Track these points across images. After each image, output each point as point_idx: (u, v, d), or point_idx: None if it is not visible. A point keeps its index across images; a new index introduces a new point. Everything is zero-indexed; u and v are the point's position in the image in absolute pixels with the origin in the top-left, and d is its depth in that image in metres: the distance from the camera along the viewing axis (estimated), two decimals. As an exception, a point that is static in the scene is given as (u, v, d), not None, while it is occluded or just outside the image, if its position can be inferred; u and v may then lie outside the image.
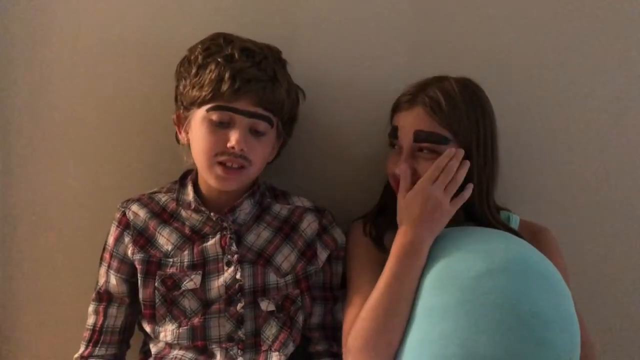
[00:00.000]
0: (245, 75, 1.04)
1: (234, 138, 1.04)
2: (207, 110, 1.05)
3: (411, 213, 1.01)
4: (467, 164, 1.04)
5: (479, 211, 1.09)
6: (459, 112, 1.06)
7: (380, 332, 0.97)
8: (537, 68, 1.29)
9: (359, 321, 0.99)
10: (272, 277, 1.12)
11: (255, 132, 1.08)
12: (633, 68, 1.30)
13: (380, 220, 1.17)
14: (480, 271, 0.93)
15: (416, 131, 1.07)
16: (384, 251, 1.10)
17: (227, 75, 1.03)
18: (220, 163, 1.06)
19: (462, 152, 1.04)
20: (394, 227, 1.08)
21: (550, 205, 1.32)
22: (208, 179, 1.09)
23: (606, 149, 1.31)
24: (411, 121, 1.08)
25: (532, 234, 1.14)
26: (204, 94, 1.04)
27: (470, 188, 1.05)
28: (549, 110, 1.30)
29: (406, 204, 1.03)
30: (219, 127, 1.06)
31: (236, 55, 1.06)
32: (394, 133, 1.11)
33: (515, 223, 1.16)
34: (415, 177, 1.06)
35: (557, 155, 1.31)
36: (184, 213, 1.14)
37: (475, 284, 0.92)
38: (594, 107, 1.30)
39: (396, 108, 1.13)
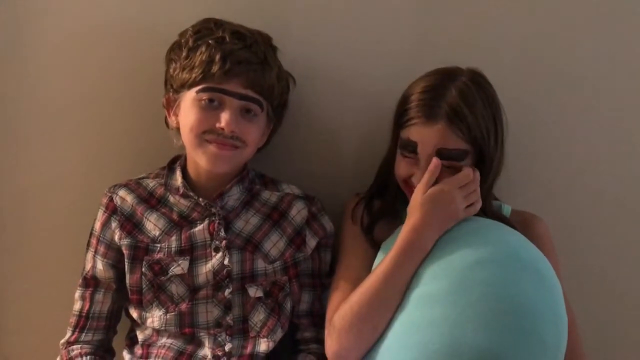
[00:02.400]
0: (236, 56, 1.04)
1: (224, 119, 1.04)
2: (197, 92, 1.05)
3: (428, 210, 0.99)
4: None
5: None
6: (480, 121, 1.01)
7: (369, 317, 0.97)
8: (538, 59, 1.28)
9: (348, 303, 1.00)
10: (261, 264, 1.12)
11: (246, 113, 1.07)
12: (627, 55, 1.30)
13: (375, 206, 1.16)
14: (470, 261, 0.94)
15: (440, 149, 1.02)
16: (373, 244, 1.10)
17: (217, 56, 1.03)
18: (210, 142, 1.06)
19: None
20: (388, 217, 1.08)
21: (543, 195, 1.31)
22: (199, 159, 1.08)
23: (601, 138, 1.31)
24: (433, 137, 1.02)
25: (524, 224, 1.13)
26: (194, 75, 1.04)
27: (480, 202, 1.03)
28: (546, 101, 1.30)
29: (425, 200, 1.00)
30: (209, 108, 1.05)
31: (227, 38, 1.05)
32: (411, 147, 1.04)
33: (506, 212, 1.15)
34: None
35: (551, 146, 1.31)
36: (172, 198, 1.14)
37: (465, 274, 0.93)
38: (589, 98, 1.30)
39: (409, 119, 1.04)
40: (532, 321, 0.90)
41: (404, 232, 1.00)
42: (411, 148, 1.05)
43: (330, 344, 1.01)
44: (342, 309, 1.00)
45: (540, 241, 1.08)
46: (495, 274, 0.92)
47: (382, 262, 1.00)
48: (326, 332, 1.03)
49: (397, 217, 1.11)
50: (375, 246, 1.10)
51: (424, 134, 1.03)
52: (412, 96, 1.06)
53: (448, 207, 1.00)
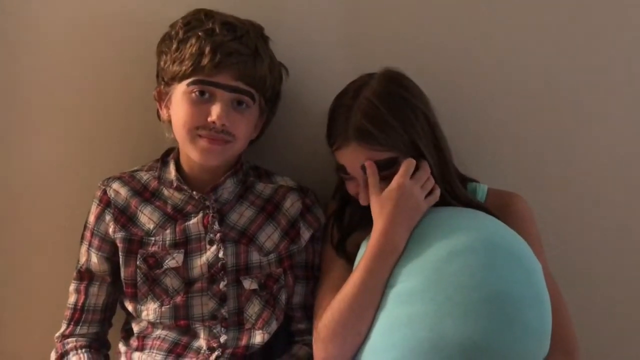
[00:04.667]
0: (226, 48, 1.03)
1: (215, 113, 1.03)
2: (188, 85, 1.04)
3: (390, 210, 0.99)
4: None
5: (442, 194, 1.06)
6: (392, 129, 1.01)
7: (350, 324, 0.98)
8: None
9: (329, 311, 1.00)
10: (255, 256, 1.12)
11: (237, 105, 1.07)
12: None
13: (346, 217, 1.15)
14: (444, 253, 0.93)
15: (363, 166, 1.03)
16: (348, 260, 1.09)
17: (207, 49, 1.02)
18: (202, 137, 1.05)
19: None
20: (360, 230, 1.08)
21: (521, 173, 1.31)
22: (190, 153, 1.08)
23: (578, 114, 1.31)
24: (353, 158, 1.04)
25: (501, 204, 1.12)
26: (184, 68, 1.04)
27: (438, 189, 1.04)
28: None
29: (384, 201, 1.00)
30: (199, 102, 1.05)
31: (217, 30, 1.05)
32: (343, 170, 1.07)
33: (482, 193, 1.14)
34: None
35: (526, 122, 1.31)
36: (165, 191, 1.14)
37: (440, 267, 0.92)
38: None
39: (332, 145, 1.08)
40: (512, 307, 0.90)
41: (373, 238, 1.00)
42: (343, 170, 1.07)
43: (317, 352, 1.02)
44: (325, 317, 1.01)
45: (519, 220, 1.07)
46: (470, 263, 0.92)
47: (357, 268, 1.00)
48: (313, 339, 1.04)
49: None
50: (351, 259, 1.08)
51: (344, 157, 1.06)
52: (328, 119, 1.10)
53: (409, 202, 0.99)
